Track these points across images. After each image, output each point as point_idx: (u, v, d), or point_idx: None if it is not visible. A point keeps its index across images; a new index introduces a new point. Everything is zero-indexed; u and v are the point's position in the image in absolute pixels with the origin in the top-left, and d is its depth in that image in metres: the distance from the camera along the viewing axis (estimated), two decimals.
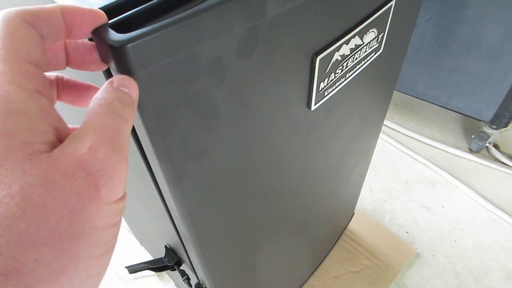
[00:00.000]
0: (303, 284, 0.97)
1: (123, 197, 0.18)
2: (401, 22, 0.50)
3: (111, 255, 0.19)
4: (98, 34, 0.19)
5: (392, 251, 1.05)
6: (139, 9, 0.22)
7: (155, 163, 0.28)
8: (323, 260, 1.03)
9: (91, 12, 0.19)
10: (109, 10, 0.21)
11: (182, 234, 0.40)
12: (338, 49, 0.37)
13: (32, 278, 0.15)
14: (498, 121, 1.21)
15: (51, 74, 0.22)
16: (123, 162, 0.17)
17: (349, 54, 0.40)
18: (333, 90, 0.42)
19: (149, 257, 1.00)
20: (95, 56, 0.21)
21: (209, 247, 0.42)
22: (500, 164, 1.31)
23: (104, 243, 0.17)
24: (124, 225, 1.11)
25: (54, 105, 0.18)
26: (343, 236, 1.08)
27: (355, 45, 0.40)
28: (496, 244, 1.09)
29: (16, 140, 0.15)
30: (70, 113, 0.38)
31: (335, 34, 0.37)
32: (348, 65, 0.41)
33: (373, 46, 0.44)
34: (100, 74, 0.24)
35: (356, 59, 0.42)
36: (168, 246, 0.53)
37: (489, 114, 1.21)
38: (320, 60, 0.35)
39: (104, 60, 0.21)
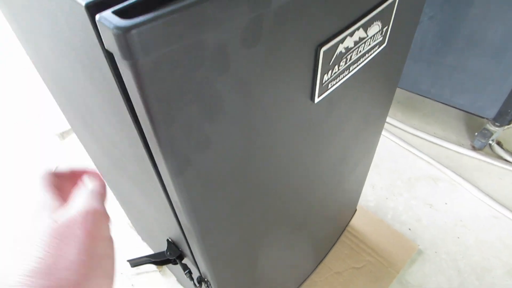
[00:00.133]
0: (305, 280, 0.97)
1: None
2: (406, 16, 0.50)
3: None
4: (102, 20, 0.19)
5: (395, 248, 1.05)
6: None
7: (158, 154, 0.28)
8: (325, 256, 1.02)
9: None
10: None
11: (185, 227, 0.40)
12: (342, 41, 0.37)
13: None
14: (501, 119, 1.20)
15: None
16: None
17: (353, 47, 0.40)
18: (337, 83, 0.41)
19: (151, 252, 1.00)
20: None
21: (212, 240, 0.42)
22: (503, 161, 1.30)
23: None
24: (126, 221, 1.12)
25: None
26: (345, 233, 1.08)
27: (359, 37, 0.40)
28: (499, 242, 1.08)
29: None
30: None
31: (339, 26, 0.36)
32: (352, 57, 0.41)
33: (377, 39, 0.44)
34: (103, 62, 0.24)
35: (360, 52, 0.42)
36: (170, 239, 0.53)
37: (492, 112, 1.20)
38: (324, 51, 0.35)
39: (108, 47, 0.20)
